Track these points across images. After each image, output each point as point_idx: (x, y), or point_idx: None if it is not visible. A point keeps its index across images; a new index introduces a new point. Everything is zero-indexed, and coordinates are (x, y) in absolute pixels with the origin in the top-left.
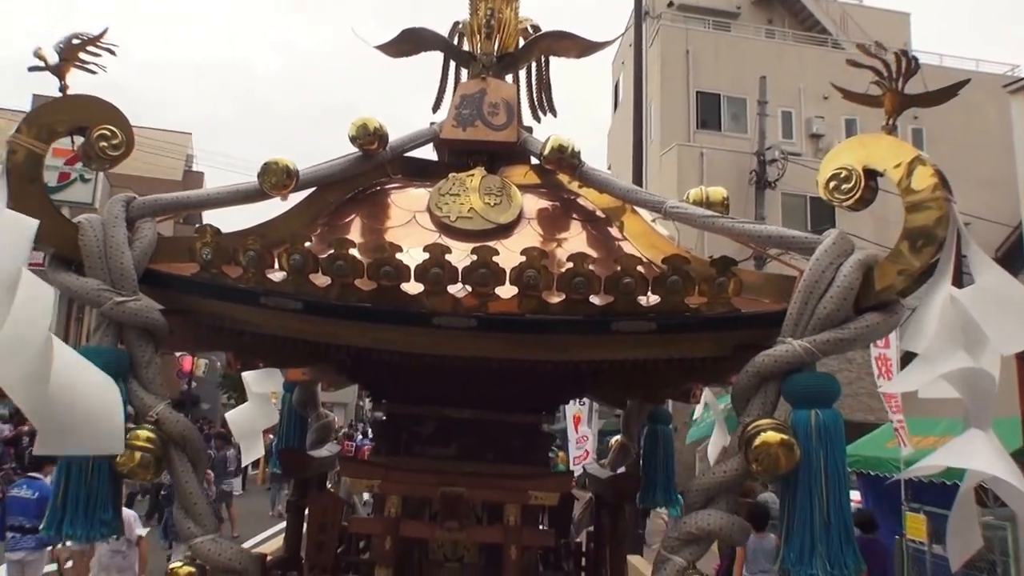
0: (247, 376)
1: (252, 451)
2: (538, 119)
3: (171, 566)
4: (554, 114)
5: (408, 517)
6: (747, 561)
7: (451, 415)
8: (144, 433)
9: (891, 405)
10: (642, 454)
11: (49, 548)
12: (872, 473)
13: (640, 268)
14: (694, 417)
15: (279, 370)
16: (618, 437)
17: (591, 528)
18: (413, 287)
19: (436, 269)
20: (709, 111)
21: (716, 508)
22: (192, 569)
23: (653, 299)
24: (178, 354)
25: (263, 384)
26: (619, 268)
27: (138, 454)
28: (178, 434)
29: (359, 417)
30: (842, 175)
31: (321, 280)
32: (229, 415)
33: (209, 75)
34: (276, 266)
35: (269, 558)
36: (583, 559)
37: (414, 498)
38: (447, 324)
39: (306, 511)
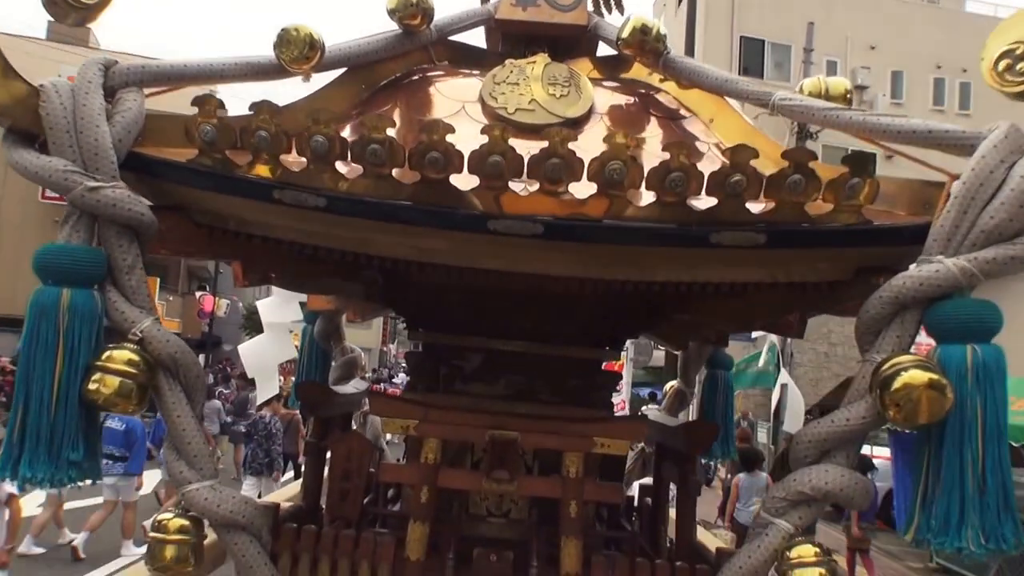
0: (262, 305)
1: (267, 387)
2: (601, 14)
3: (159, 516)
4: (621, 11)
5: (447, 465)
6: (739, 499)
7: (501, 347)
8: (124, 354)
9: None
10: (700, 401)
11: (137, 476)
12: (904, 431)
13: (754, 163)
14: (758, 364)
15: (297, 300)
16: (673, 383)
17: (642, 480)
18: (466, 180)
19: (496, 157)
20: (752, 57)
21: (833, 463)
22: (185, 522)
23: (761, 207)
24: (199, 293)
25: (280, 314)
26: (727, 162)
27: (115, 380)
28: (168, 356)
29: (383, 363)
30: (1019, 51)
31: (350, 170)
32: (242, 348)
33: None
34: (294, 152)
35: (284, 509)
36: (639, 516)
37: (455, 443)
38: (506, 230)
39: (327, 455)
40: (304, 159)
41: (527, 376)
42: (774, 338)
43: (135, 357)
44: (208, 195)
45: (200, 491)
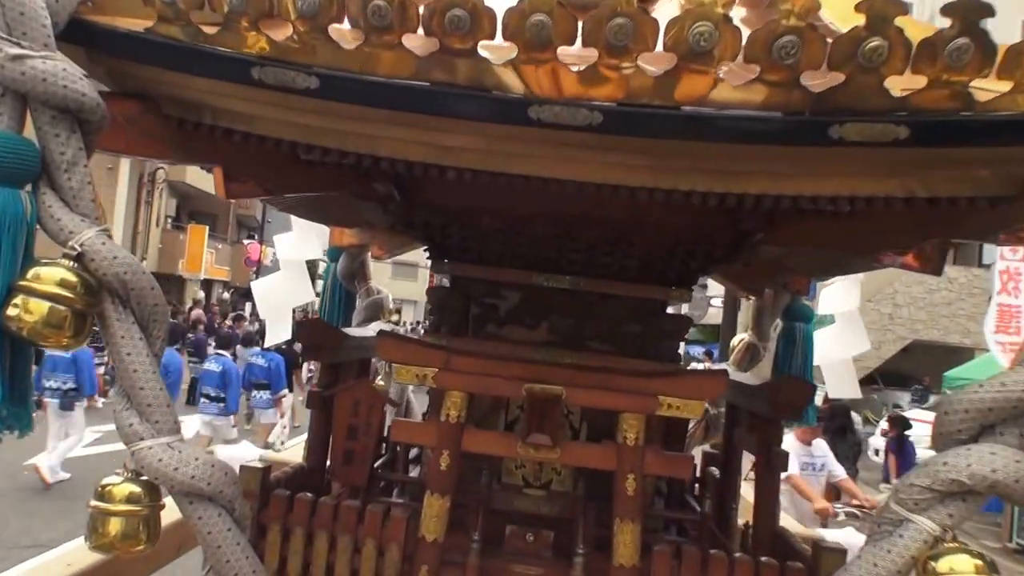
0: (279, 241)
1: (279, 331)
2: None
3: (104, 481)
4: None
5: (474, 424)
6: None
7: (542, 283)
8: (55, 273)
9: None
10: (775, 357)
11: (233, 415)
12: None
13: (898, 22)
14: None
15: (319, 235)
16: (744, 336)
17: (705, 447)
18: (499, 52)
19: (540, 16)
20: None
21: (1001, 442)
22: (135, 488)
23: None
24: (247, 242)
25: (298, 250)
26: (863, 23)
27: (42, 305)
28: (116, 277)
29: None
30: None
31: (348, 37)
32: (255, 284)
33: None
34: (277, 15)
35: (277, 472)
36: (702, 491)
37: (485, 398)
38: (553, 120)
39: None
40: (290, 25)
41: (575, 319)
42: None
43: (71, 277)
44: (173, 77)
45: (154, 449)
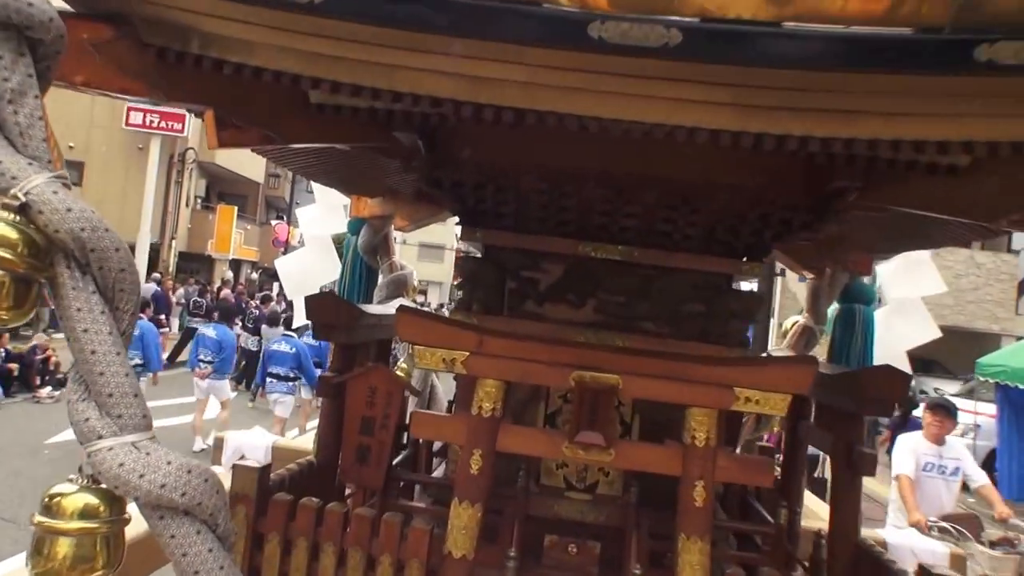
0: (303, 215)
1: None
2: None
3: (52, 490)
4: None
5: (511, 418)
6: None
7: (590, 254)
8: None
9: None
10: (832, 341)
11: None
12: (1018, 386)
13: None
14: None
15: (344, 208)
16: (798, 318)
17: (762, 441)
18: None
19: None
20: None
21: None
22: (92, 500)
23: None
24: (275, 222)
25: (322, 224)
26: None
27: None
28: (70, 234)
29: (454, 297)
30: None
31: None
32: (279, 262)
33: None
34: None
35: (280, 470)
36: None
37: (523, 387)
38: (619, 41)
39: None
40: None
41: (627, 296)
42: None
43: (10, 233)
44: None
45: (115, 451)
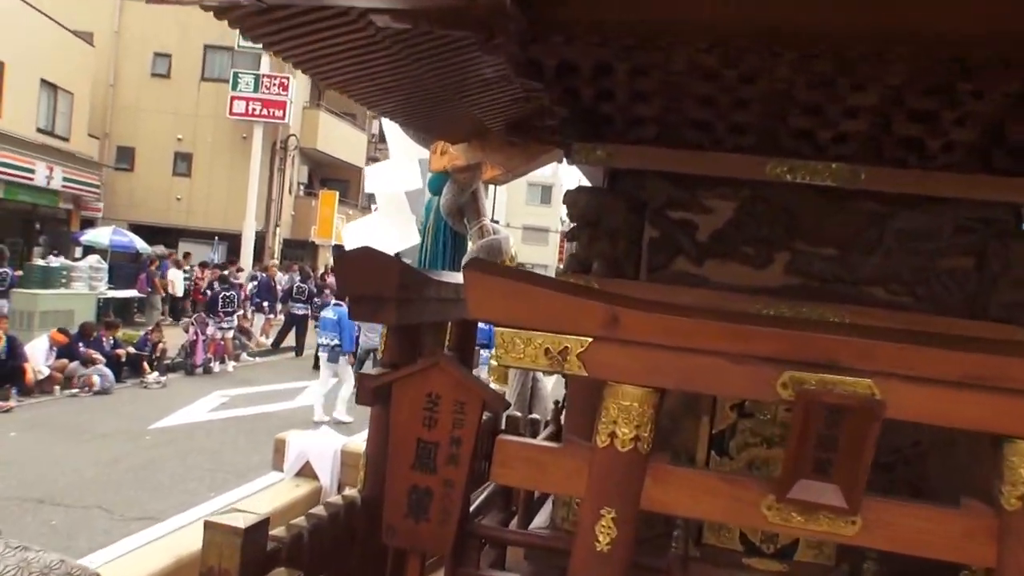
0: (370, 171)
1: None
2: None
3: None
4: None
5: (665, 451)
6: None
7: (784, 178)
8: None
9: None
10: None
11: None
12: None
13: None
14: None
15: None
16: None
17: None
18: None
19: None
20: None
21: None
22: None
23: None
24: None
25: (395, 180)
26: None
27: None
28: None
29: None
30: None
31: None
32: (346, 228)
33: None
34: None
35: (296, 523)
36: None
37: (672, 393)
38: None
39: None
40: None
41: (844, 246)
42: None
43: None
44: None
45: None
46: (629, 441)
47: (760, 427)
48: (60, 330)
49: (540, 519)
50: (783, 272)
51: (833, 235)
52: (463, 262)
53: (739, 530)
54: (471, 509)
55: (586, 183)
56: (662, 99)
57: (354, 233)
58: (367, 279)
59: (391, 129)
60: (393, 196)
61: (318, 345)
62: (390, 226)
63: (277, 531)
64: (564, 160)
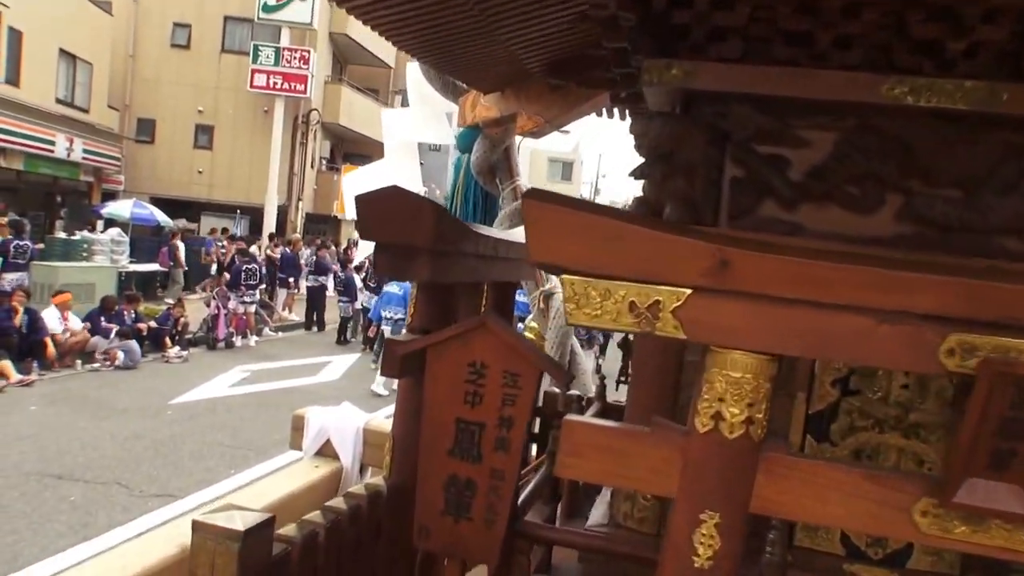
0: (387, 115)
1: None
2: None
3: None
4: None
5: (777, 436)
6: None
7: (903, 100)
8: None
9: None
10: None
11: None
12: None
13: None
14: None
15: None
16: None
17: None
18: None
19: None
20: None
21: None
22: None
23: None
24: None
25: (412, 128)
26: None
27: None
28: None
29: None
30: None
31: None
32: (348, 177)
33: None
34: None
35: (307, 520)
36: None
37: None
38: None
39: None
40: None
41: (973, 186)
42: None
43: None
44: None
45: None
46: (739, 425)
47: (870, 407)
48: (59, 291)
49: (597, 514)
50: (895, 218)
51: (958, 172)
52: (495, 226)
53: (840, 532)
54: (519, 500)
55: (605, 163)
56: (750, 4)
57: (356, 181)
58: (397, 224)
59: (413, 78)
60: (405, 143)
61: (342, 319)
62: (395, 174)
63: (287, 529)
64: (609, 106)
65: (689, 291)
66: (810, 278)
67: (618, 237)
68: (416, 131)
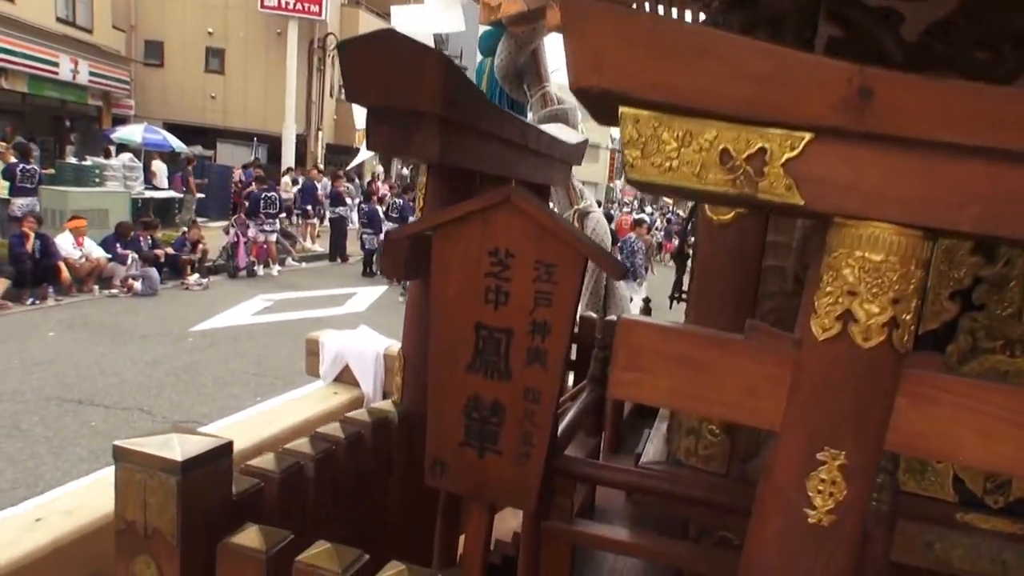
0: (397, 12)
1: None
2: None
3: None
4: None
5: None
6: None
7: None
8: None
9: None
10: None
11: None
12: None
13: None
14: None
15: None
16: None
17: None
18: None
19: None
20: None
21: None
22: None
23: None
24: None
25: (424, 21)
26: None
27: None
28: None
29: (610, 198)
30: None
31: None
32: (396, 8)
33: None
34: None
35: (288, 450)
36: None
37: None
38: None
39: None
40: None
41: None
42: None
43: None
44: None
45: None
46: (878, 328)
47: (999, 325)
48: (73, 217)
49: (652, 450)
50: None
51: None
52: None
53: (952, 474)
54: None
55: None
56: None
57: (402, 16)
58: (393, 81)
59: None
60: (417, 38)
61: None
62: (436, 11)
63: (262, 460)
64: None
65: (810, 135)
66: (995, 117)
67: (706, 51)
68: (428, 23)
